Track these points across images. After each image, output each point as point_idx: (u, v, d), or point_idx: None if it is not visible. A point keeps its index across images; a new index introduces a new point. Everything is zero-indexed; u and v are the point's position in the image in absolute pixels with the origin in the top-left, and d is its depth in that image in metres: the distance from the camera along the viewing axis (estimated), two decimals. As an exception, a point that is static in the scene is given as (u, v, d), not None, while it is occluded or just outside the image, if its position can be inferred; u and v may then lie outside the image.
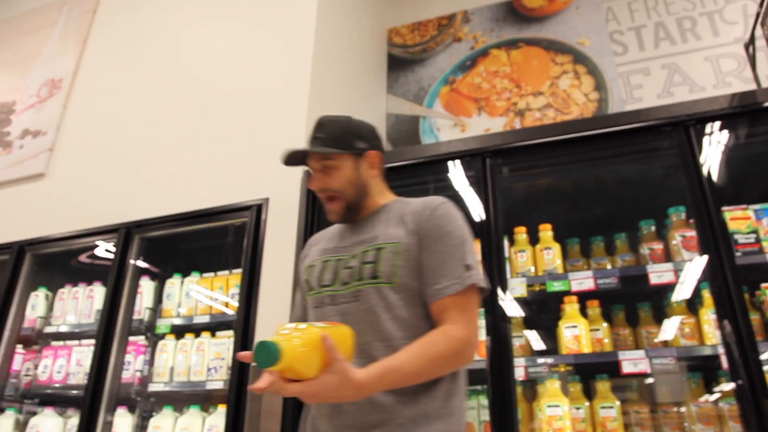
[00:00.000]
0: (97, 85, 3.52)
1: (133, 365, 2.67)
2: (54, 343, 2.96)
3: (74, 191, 3.19)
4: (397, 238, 1.38)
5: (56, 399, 2.86)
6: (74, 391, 2.78)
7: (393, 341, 1.30)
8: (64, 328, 2.94)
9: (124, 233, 2.78)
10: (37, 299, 3.04)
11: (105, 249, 3.00)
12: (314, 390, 1.11)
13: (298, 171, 2.55)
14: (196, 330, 2.69)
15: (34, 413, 2.82)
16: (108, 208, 2.96)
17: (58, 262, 3.20)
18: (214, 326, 2.67)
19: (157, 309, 2.81)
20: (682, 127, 2.14)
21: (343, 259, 1.43)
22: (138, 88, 3.32)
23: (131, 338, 2.71)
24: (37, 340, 3.00)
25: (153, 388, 2.61)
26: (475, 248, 1.39)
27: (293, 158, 1.50)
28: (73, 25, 3.87)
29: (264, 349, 1.02)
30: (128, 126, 3.21)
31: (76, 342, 2.90)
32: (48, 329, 2.97)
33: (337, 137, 1.47)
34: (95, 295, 2.94)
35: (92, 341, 2.76)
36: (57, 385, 2.82)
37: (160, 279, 2.88)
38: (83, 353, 2.82)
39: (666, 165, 2.37)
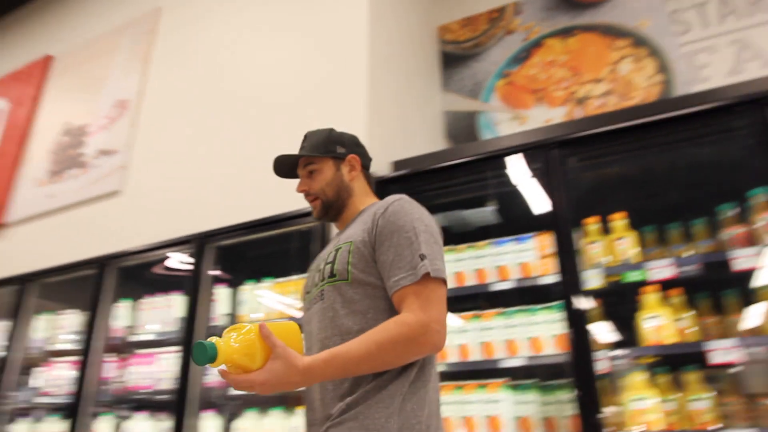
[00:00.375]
0: (162, 101, 3.67)
1: (213, 370, 2.77)
2: (140, 351, 3.10)
3: (148, 205, 3.34)
4: (352, 237, 1.46)
5: (146, 404, 3.00)
6: (162, 396, 2.91)
7: (351, 335, 1.34)
8: (148, 336, 3.08)
9: (198, 243, 2.89)
10: (121, 310, 3.20)
11: (178, 260, 3.13)
12: (262, 378, 1.19)
13: (364, 174, 2.60)
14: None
15: (127, 417, 2.97)
16: (181, 220, 3.08)
17: (137, 274, 3.35)
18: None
19: (233, 315, 2.91)
20: (756, 106, 2.06)
21: (326, 257, 1.52)
22: (201, 101, 3.44)
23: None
24: (124, 349, 3.15)
25: (235, 391, 2.70)
26: (436, 240, 1.41)
27: (282, 168, 1.68)
28: (135, 47, 4.04)
29: (200, 348, 1.12)
30: (195, 139, 3.34)
31: (160, 349, 3.03)
32: (133, 338, 3.11)
33: (318, 144, 1.63)
34: (174, 303, 3.06)
35: (175, 348, 2.89)
36: (145, 390, 2.96)
37: (233, 286, 2.97)
38: (168, 359, 2.95)
39: (742, 146, 2.28)
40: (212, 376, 2.76)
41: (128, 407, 3.06)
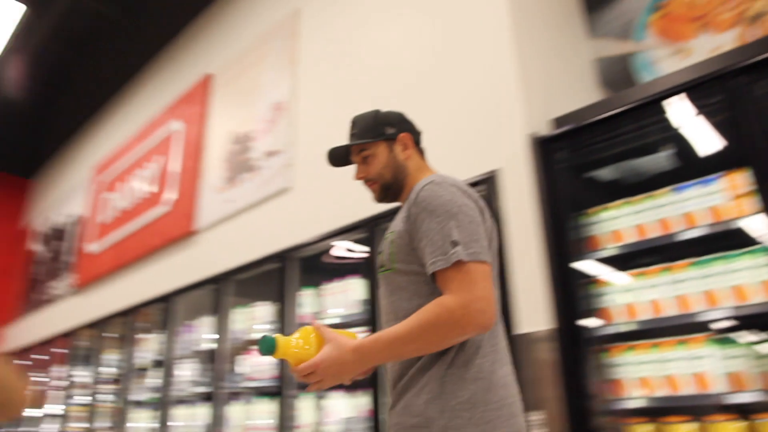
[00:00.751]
0: (315, 96, 3.85)
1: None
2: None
3: (317, 197, 3.54)
4: (395, 226, 1.51)
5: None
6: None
7: (400, 313, 1.43)
8: (334, 320, 3.28)
9: (370, 227, 3.01)
10: (306, 298, 3.44)
11: (346, 248, 3.29)
12: (317, 360, 1.33)
13: (522, 137, 2.54)
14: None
15: (324, 396, 3.21)
16: (350, 207, 3.23)
17: (316, 262, 3.57)
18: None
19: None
20: None
21: (380, 247, 1.57)
22: (351, 91, 3.56)
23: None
24: (314, 333, 3.38)
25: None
26: (471, 219, 1.39)
27: (337, 159, 1.73)
28: (282, 51, 4.27)
29: (264, 341, 1.34)
30: (347, 127, 3.46)
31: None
32: (320, 322, 3.33)
33: (367, 129, 1.65)
34: (352, 287, 3.23)
35: (361, 328, 3.05)
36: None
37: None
38: (356, 340, 3.12)
39: None
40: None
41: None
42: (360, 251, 3.31)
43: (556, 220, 2.40)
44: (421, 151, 1.73)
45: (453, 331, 1.31)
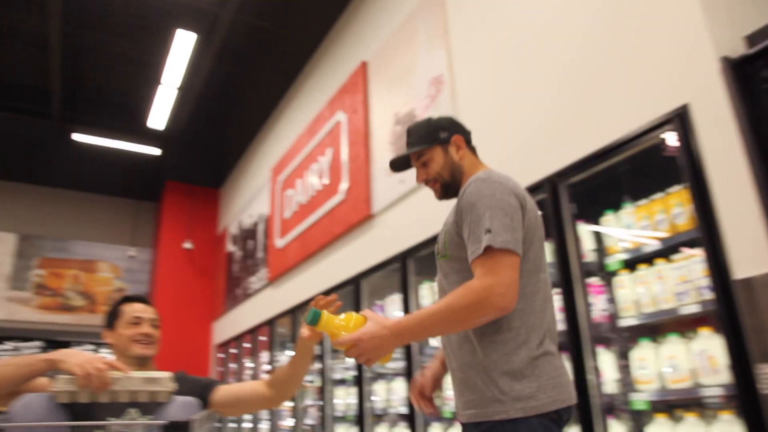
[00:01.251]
0: (473, 66, 3.79)
1: (597, 305, 2.76)
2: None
3: (490, 164, 3.48)
4: (448, 219, 1.74)
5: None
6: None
7: None
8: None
9: (550, 185, 2.90)
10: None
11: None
12: (358, 335, 1.48)
13: (713, 62, 2.27)
14: (647, 259, 2.63)
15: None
16: (522, 170, 3.14)
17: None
18: (665, 252, 2.57)
19: (600, 249, 2.85)
20: None
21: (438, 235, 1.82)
22: (511, 50, 3.44)
23: (587, 281, 2.79)
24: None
25: (623, 323, 2.65)
26: (506, 212, 1.56)
27: (398, 166, 1.91)
28: (432, 25, 4.26)
29: (312, 313, 1.54)
30: (515, 89, 3.36)
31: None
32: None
33: (423, 136, 1.84)
34: (537, 250, 3.14)
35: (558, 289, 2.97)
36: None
37: (593, 219, 2.91)
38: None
39: None
40: (596, 311, 2.75)
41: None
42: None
43: (768, 151, 2.12)
44: (473, 149, 1.91)
45: (477, 312, 1.47)
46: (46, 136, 9.86)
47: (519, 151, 3.27)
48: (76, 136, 9.19)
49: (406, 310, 4.00)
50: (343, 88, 5.66)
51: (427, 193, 4.08)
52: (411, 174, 4.20)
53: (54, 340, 9.64)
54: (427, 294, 3.93)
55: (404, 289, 4.05)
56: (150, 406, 1.69)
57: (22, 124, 9.88)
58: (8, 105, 9.34)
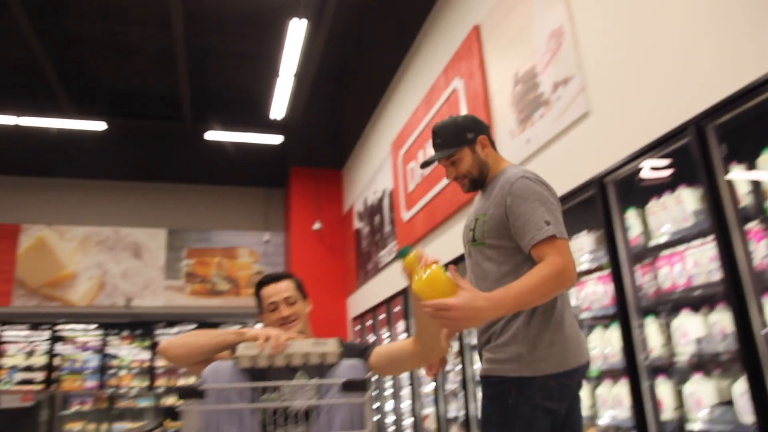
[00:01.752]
0: (596, 12, 3.62)
1: (759, 252, 2.58)
2: (662, 253, 3.13)
3: (622, 111, 3.35)
4: (487, 209, 1.93)
5: (686, 301, 3.00)
6: (699, 291, 2.87)
7: (490, 277, 1.89)
8: (663, 239, 3.08)
9: (695, 129, 2.73)
10: (630, 220, 3.29)
11: (666, 161, 3.03)
12: (454, 303, 1.57)
13: None
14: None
15: (670, 317, 3.04)
16: (663, 115, 2.98)
17: (629, 183, 3.39)
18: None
19: (757, 191, 2.65)
20: None
21: (469, 224, 2.04)
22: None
23: (745, 227, 2.62)
24: (646, 255, 3.23)
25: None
26: (557, 206, 1.89)
27: (427, 164, 2.08)
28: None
29: (404, 248, 1.75)
30: (643, 30, 3.18)
31: (683, 247, 3.00)
32: (652, 242, 3.16)
33: (450, 138, 2.02)
34: (684, 198, 2.98)
35: (699, 241, 2.81)
36: (681, 289, 2.97)
37: (747, 161, 2.71)
38: (696, 254, 2.89)
39: None
40: (757, 258, 2.58)
41: (668, 308, 3.12)
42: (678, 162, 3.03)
43: None
44: (494, 145, 2.12)
45: (560, 284, 1.71)
46: (182, 138, 10.71)
47: (656, 95, 3.10)
48: (208, 135, 9.89)
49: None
50: (456, 54, 5.62)
51: (552, 153, 4.00)
52: (537, 133, 4.13)
53: (205, 323, 10.56)
54: (565, 253, 3.86)
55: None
56: (319, 370, 1.83)
57: (160, 129, 10.80)
58: (145, 113, 10.24)
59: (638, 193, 3.33)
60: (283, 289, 2.06)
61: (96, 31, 8.59)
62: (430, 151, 6.12)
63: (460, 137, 2.02)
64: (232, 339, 1.83)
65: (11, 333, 9.63)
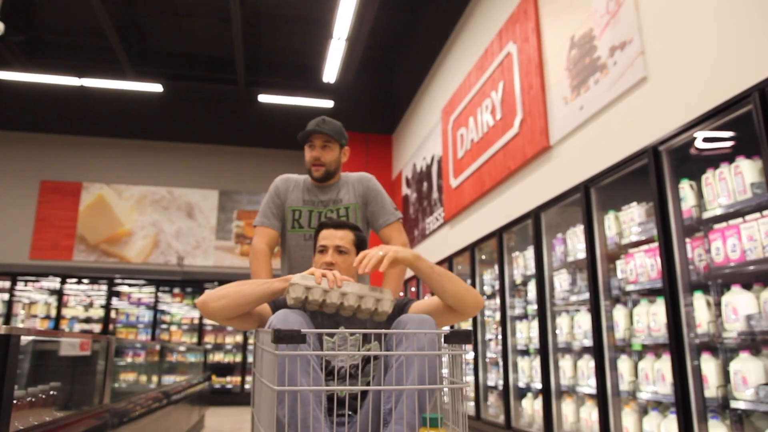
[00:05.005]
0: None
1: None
2: (716, 226, 3.00)
3: (683, 75, 3.19)
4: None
5: (738, 277, 2.88)
6: (752, 267, 2.75)
7: None
8: (719, 211, 2.95)
9: (760, 94, 2.58)
10: (684, 191, 3.16)
11: (702, 139, 2.88)
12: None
13: None
14: None
15: (721, 293, 2.93)
16: (725, 80, 2.83)
17: (685, 152, 3.25)
18: None
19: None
20: None
21: (322, 211, 2.46)
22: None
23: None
24: (698, 227, 3.11)
25: None
26: None
27: (306, 135, 2.51)
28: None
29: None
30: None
31: (739, 220, 2.87)
32: (706, 215, 3.04)
33: (336, 131, 2.50)
34: (743, 169, 2.84)
35: (757, 214, 2.68)
36: (733, 264, 2.85)
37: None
38: (752, 229, 2.76)
39: None
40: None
41: (718, 284, 3.01)
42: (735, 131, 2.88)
43: None
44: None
45: None
46: (235, 100, 10.85)
47: (718, 60, 2.94)
48: (262, 98, 9.98)
49: (591, 242, 3.86)
50: (511, 18, 5.46)
51: (606, 120, 3.87)
52: (591, 99, 4.00)
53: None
54: (613, 225, 3.76)
55: (588, 221, 3.90)
56: (386, 325, 1.76)
57: (214, 92, 10.97)
58: (200, 75, 10.40)
59: (692, 163, 3.19)
60: (339, 236, 1.96)
61: (154, -7, 8.74)
62: (482, 118, 6.03)
63: (341, 136, 2.48)
64: (278, 286, 1.71)
65: (72, 286, 10.12)
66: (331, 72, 8.78)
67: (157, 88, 9.62)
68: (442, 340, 1.51)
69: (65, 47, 9.74)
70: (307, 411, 1.45)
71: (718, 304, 2.93)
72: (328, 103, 9.97)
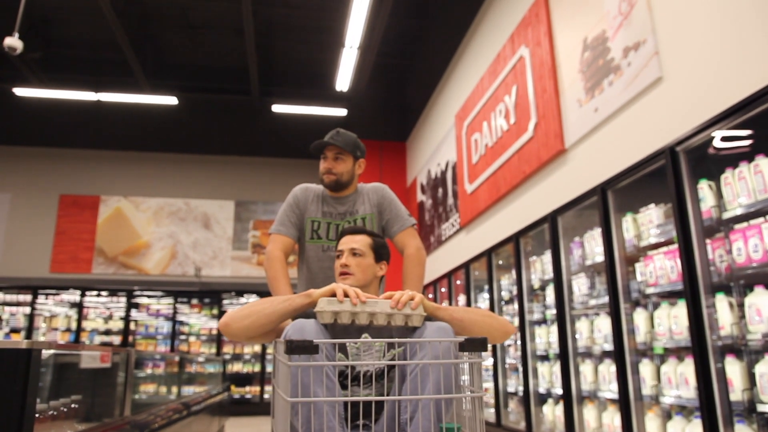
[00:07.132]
0: (672, -29, 3.41)
1: None
2: (737, 226, 2.95)
3: (699, 74, 3.16)
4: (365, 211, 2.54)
5: (761, 278, 2.83)
6: (777, 267, 2.70)
7: None
8: (740, 210, 2.91)
9: (777, 93, 2.54)
10: (703, 191, 3.12)
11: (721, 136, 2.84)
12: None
13: None
14: None
15: (743, 294, 2.88)
16: (744, 78, 2.79)
17: (703, 152, 3.20)
18: None
19: None
20: None
21: (340, 223, 2.51)
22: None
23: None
24: (719, 228, 3.06)
25: None
26: None
27: (319, 146, 2.53)
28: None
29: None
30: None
31: (760, 219, 2.82)
32: (726, 215, 2.99)
33: (349, 143, 2.51)
34: (762, 168, 2.79)
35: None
36: (756, 264, 2.80)
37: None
38: (773, 228, 2.71)
39: None
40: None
41: (741, 285, 2.96)
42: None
43: None
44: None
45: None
46: (249, 111, 10.93)
47: (733, 59, 2.90)
48: (275, 108, 10.05)
49: (609, 245, 3.82)
50: (522, 21, 5.44)
51: (621, 122, 3.83)
52: (606, 101, 3.97)
53: (270, 293, 10.83)
54: (631, 227, 3.71)
55: (605, 223, 3.86)
56: (396, 331, 1.74)
57: (228, 103, 11.06)
58: (214, 87, 10.50)
59: (711, 163, 3.15)
60: (355, 240, 1.99)
61: (169, 8, 8.83)
62: (496, 123, 6.01)
63: (355, 148, 2.51)
64: (299, 302, 1.72)
65: (92, 299, 10.22)
66: (343, 80, 8.81)
67: (172, 100, 9.73)
68: (458, 347, 1.50)
69: (82, 62, 9.89)
70: (321, 422, 1.44)
71: (741, 306, 2.88)
72: (342, 112, 10.00)
